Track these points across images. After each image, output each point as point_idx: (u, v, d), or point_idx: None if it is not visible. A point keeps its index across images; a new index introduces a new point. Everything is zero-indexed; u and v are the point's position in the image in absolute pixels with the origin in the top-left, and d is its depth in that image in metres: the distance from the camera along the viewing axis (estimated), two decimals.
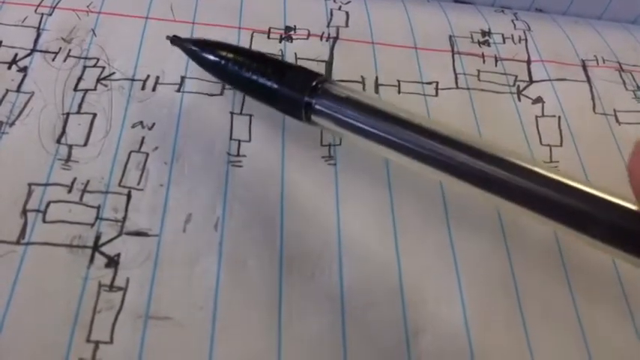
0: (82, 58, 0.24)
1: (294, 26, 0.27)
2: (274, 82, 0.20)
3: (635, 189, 0.14)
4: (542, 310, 0.20)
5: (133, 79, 0.23)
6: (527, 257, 0.21)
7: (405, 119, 0.18)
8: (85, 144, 0.21)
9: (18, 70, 0.23)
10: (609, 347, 0.19)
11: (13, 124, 0.21)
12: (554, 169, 0.16)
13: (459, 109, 0.25)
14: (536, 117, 0.25)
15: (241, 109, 0.23)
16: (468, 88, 0.26)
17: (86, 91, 0.23)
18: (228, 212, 0.20)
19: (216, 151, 0.22)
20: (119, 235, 0.19)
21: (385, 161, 0.22)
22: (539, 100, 0.26)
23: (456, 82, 0.26)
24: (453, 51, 0.28)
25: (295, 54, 0.26)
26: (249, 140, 0.22)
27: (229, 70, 0.21)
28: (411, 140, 0.18)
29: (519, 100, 0.26)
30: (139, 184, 0.20)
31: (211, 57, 0.21)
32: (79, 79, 0.23)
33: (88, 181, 0.20)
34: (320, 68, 0.25)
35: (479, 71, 0.27)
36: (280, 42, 0.26)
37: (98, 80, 0.23)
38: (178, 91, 0.23)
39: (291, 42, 0.26)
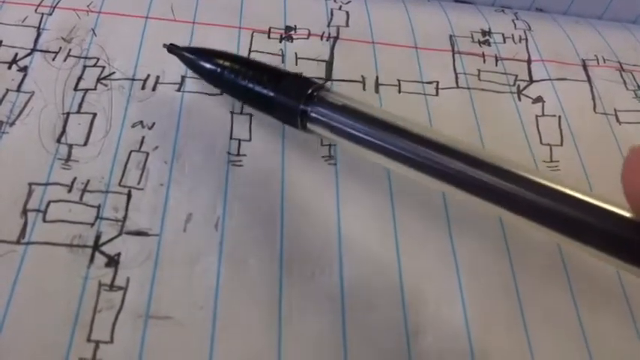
0: (82, 57, 0.24)
1: (295, 26, 0.27)
2: (270, 90, 0.20)
3: (629, 196, 0.14)
4: (543, 312, 0.20)
5: (133, 79, 0.23)
6: (528, 258, 0.21)
7: (401, 127, 0.18)
8: (85, 143, 0.21)
9: (18, 70, 0.23)
10: (610, 348, 0.19)
11: (13, 123, 0.21)
12: (550, 176, 0.16)
13: (460, 108, 0.25)
14: (537, 116, 0.25)
15: (241, 109, 0.23)
16: (469, 88, 0.26)
17: (86, 90, 0.23)
18: (228, 212, 0.20)
19: (217, 150, 0.22)
20: (119, 234, 0.19)
21: None
22: (539, 99, 0.26)
23: (457, 82, 0.26)
24: (453, 50, 0.28)
25: (295, 54, 0.26)
26: (250, 140, 0.22)
27: (226, 78, 0.21)
28: (407, 148, 0.18)
29: (520, 99, 0.26)
30: (139, 183, 0.20)
31: (208, 65, 0.22)
32: (79, 78, 0.23)
33: (88, 181, 0.20)
34: (320, 68, 0.25)
35: (479, 71, 0.27)
36: (280, 42, 0.26)
37: (98, 80, 0.23)
38: (178, 90, 0.23)
39: (292, 42, 0.26)
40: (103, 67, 0.23)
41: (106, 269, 0.18)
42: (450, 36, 0.28)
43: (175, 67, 0.24)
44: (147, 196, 0.20)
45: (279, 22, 0.27)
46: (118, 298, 0.18)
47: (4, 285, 0.17)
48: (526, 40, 0.29)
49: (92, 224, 0.19)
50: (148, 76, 0.23)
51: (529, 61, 0.28)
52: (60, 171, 0.20)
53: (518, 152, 0.24)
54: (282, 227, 0.20)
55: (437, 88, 0.26)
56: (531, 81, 0.27)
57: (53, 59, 0.23)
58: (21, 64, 0.23)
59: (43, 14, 0.25)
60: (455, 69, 0.27)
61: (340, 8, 0.28)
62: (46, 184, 0.20)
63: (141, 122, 0.22)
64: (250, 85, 0.21)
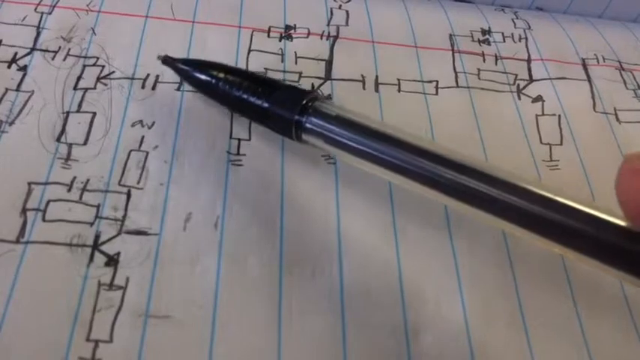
0: (82, 57, 0.24)
1: (294, 25, 0.27)
2: (264, 101, 0.20)
3: (624, 205, 0.14)
4: (543, 311, 0.20)
5: (132, 78, 0.23)
6: (527, 257, 0.21)
7: (394, 137, 0.18)
8: (85, 143, 0.21)
9: (18, 69, 0.23)
10: (609, 347, 0.19)
11: (12, 123, 0.21)
12: (544, 184, 0.16)
13: (459, 107, 0.25)
14: (537, 116, 0.25)
15: None
16: (468, 87, 0.26)
17: (86, 89, 0.23)
18: (228, 211, 0.20)
19: (216, 150, 0.22)
20: (119, 234, 0.19)
21: None
22: (539, 98, 0.26)
23: (456, 81, 0.26)
24: (453, 50, 0.28)
25: (295, 53, 0.26)
26: (249, 139, 0.22)
27: (220, 89, 0.21)
28: (402, 158, 0.18)
29: (519, 98, 0.26)
30: (138, 182, 0.20)
31: (202, 76, 0.22)
32: (79, 77, 0.23)
33: (87, 180, 0.20)
34: (320, 67, 0.25)
35: (479, 70, 0.27)
36: (280, 41, 0.26)
37: (98, 79, 0.23)
38: (178, 89, 0.23)
39: (291, 41, 0.26)
40: (103, 67, 0.23)
41: (106, 268, 0.18)
42: (450, 35, 0.28)
43: None
44: (146, 195, 0.20)
45: (279, 21, 0.27)
46: (118, 298, 0.18)
47: (4, 284, 0.17)
48: (526, 39, 0.29)
49: (92, 223, 0.19)
50: (148, 75, 0.23)
51: (529, 61, 0.28)
52: (59, 170, 0.20)
53: (518, 151, 0.24)
54: (281, 227, 0.20)
55: (437, 88, 0.26)
56: (531, 80, 0.27)
57: (53, 58, 0.23)
58: (20, 63, 0.23)
59: (42, 13, 0.25)
60: (455, 68, 0.27)
61: (340, 7, 0.28)
62: (46, 184, 0.20)
63: (140, 121, 0.22)
64: (245, 96, 0.21)
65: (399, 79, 0.26)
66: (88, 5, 0.26)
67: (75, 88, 0.23)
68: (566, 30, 0.30)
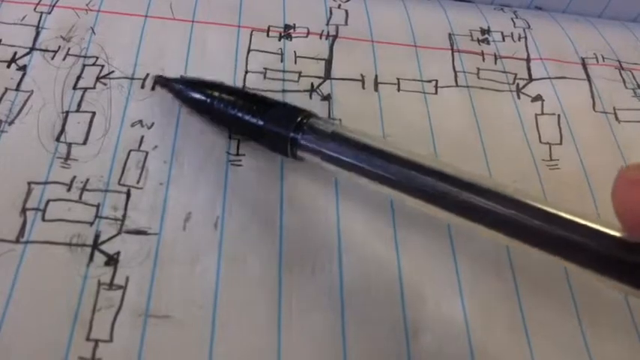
0: (82, 56, 0.24)
1: (294, 24, 0.27)
2: (260, 119, 0.20)
3: (620, 215, 0.14)
4: (543, 311, 0.20)
5: (132, 78, 0.23)
6: (527, 257, 0.21)
7: (390, 153, 0.18)
8: (85, 142, 0.21)
9: (17, 69, 0.23)
10: (609, 347, 0.19)
11: (12, 122, 0.21)
12: (539, 197, 0.16)
13: (459, 107, 0.25)
14: (536, 115, 0.25)
15: None
16: (468, 86, 0.26)
17: (85, 89, 0.23)
18: (227, 211, 0.20)
19: (216, 150, 0.22)
20: (118, 233, 0.19)
21: None
22: (538, 98, 0.26)
23: (456, 80, 0.26)
24: (452, 49, 0.28)
25: (295, 52, 0.26)
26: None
27: (215, 108, 0.21)
28: (397, 174, 0.18)
29: (519, 98, 0.26)
30: (138, 182, 0.20)
31: (197, 96, 0.22)
32: (79, 77, 0.23)
33: (87, 180, 0.20)
34: (319, 66, 0.25)
35: (478, 69, 0.27)
36: (279, 40, 0.26)
37: (97, 79, 0.23)
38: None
39: (291, 40, 0.26)
40: (102, 66, 0.23)
41: (106, 268, 0.18)
42: (450, 34, 0.28)
43: (175, 66, 0.24)
44: (146, 195, 0.20)
45: (279, 20, 0.27)
46: (118, 297, 0.18)
47: (4, 284, 0.17)
48: (525, 38, 0.29)
49: (91, 223, 0.19)
50: (148, 75, 0.23)
51: (528, 60, 0.28)
52: (59, 170, 0.20)
53: (518, 151, 0.24)
54: (281, 226, 0.20)
55: (436, 87, 0.26)
56: (530, 79, 0.27)
57: (52, 58, 0.23)
58: (20, 62, 0.23)
59: (42, 13, 0.25)
60: (454, 67, 0.27)
61: (339, 7, 0.28)
62: (45, 183, 0.20)
63: (140, 121, 0.22)
64: (240, 115, 0.21)
65: (398, 79, 0.26)
66: (87, 5, 0.26)
67: (74, 88, 0.23)
68: (566, 29, 0.30)
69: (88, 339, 0.17)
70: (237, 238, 0.20)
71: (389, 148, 0.19)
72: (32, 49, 0.24)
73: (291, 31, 0.27)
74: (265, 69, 0.25)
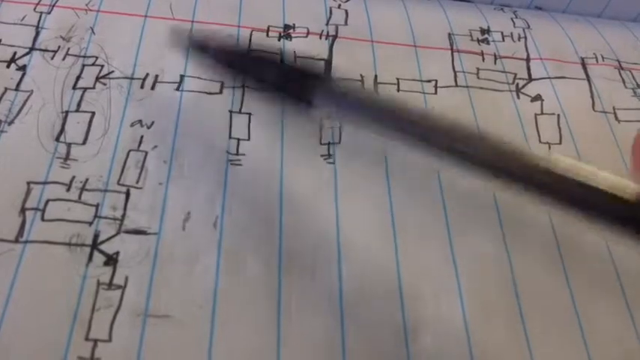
0: (81, 56, 0.24)
1: (294, 24, 0.27)
2: (275, 70, 0.20)
3: (637, 157, 0.15)
4: (542, 310, 0.20)
5: (132, 78, 0.23)
6: (526, 257, 0.21)
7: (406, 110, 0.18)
8: (84, 142, 0.21)
9: (17, 69, 0.23)
10: (609, 347, 0.19)
11: (12, 122, 0.21)
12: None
13: (458, 107, 0.25)
14: (536, 115, 0.25)
15: (240, 108, 0.23)
16: (467, 86, 0.26)
17: (85, 89, 0.23)
18: (227, 211, 0.20)
19: (216, 149, 0.22)
20: (118, 233, 0.19)
21: (385, 160, 0.22)
22: (538, 98, 0.26)
23: (455, 80, 0.26)
24: (452, 49, 0.28)
25: (294, 52, 0.26)
26: (249, 139, 0.22)
27: (231, 58, 0.21)
28: (411, 124, 0.18)
29: (518, 98, 0.26)
30: (137, 182, 0.20)
31: (212, 46, 0.21)
32: (78, 77, 0.23)
33: (86, 180, 0.20)
34: (319, 66, 0.25)
35: (478, 69, 0.27)
36: (279, 40, 0.26)
37: (97, 79, 0.23)
38: (177, 89, 0.23)
39: (290, 40, 0.26)
40: (102, 66, 0.23)
41: (105, 268, 0.18)
42: (449, 34, 0.28)
43: (174, 66, 0.24)
44: (145, 195, 0.20)
45: (278, 20, 0.27)
46: (117, 297, 0.18)
47: (3, 284, 0.17)
48: (525, 38, 0.29)
49: (91, 223, 0.19)
50: (147, 74, 0.23)
51: (528, 60, 0.28)
52: (58, 170, 0.20)
53: None
54: (280, 226, 0.20)
55: (436, 87, 0.26)
56: (530, 79, 0.27)
57: (52, 58, 0.23)
58: (20, 62, 0.23)
59: (41, 13, 0.25)
60: (454, 67, 0.27)
61: (339, 7, 0.28)
62: (45, 183, 0.20)
63: (140, 121, 0.22)
64: (258, 62, 0.20)
65: (398, 79, 0.26)
66: (87, 5, 0.26)
67: (74, 88, 0.23)
68: (566, 29, 0.30)
69: (87, 339, 0.17)
70: (236, 238, 0.20)
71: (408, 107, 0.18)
72: (32, 49, 0.24)
73: (291, 31, 0.27)
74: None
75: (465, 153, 0.17)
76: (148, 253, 0.19)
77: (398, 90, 0.25)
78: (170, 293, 0.18)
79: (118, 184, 0.20)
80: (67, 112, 0.22)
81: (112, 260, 0.18)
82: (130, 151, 0.21)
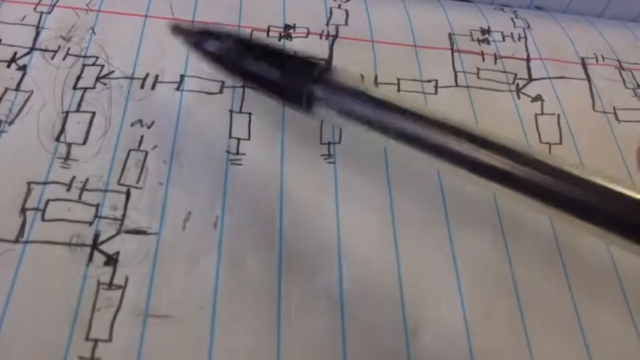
0: (82, 56, 0.24)
1: (294, 24, 0.27)
2: (275, 71, 0.20)
3: None
4: (543, 310, 0.20)
5: (132, 78, 0.23)
6: (527, 258, 0.21)
7: (406, 108, 0.18)
8: (84, 142, 0.21)
9: (17, 69, 0.23)
10: (610, 347, 0.19)
11: (12, 122, 0.21)
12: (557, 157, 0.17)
13: (459, 107, 0.25)
14: (536, 115, 0.25)
15: (240, 108, 0.23)
16: (468, 86, 0.26)
17: (85, 89, 0.23)
18: (227, 210, 0.20)
19: (216, 149, 0.22)
20: (118, 233, 0.19)
21: (385, 160, 0.22)
22: (538, 98, 0.26)
23: (456, 80, 0.26)
24: (452, 49, 0.28)
25: (295, 52, 0.26)
26: (249, 139, 0.22)
27: (229, 59, 0.21)
28: (412, 127, 0.18)
29: (519, 98, 0.26)
30: (138, 182, 0.20)
31: (210, 47, 0.21)
32: (78, 77, 0.23)
33: (87, 180, 0.20)
34: None
35: (478, 69, 0.27)
36: (279, 40, 0.26)
37: (97, 79, 0.23)
38: (178, 89, 0.23)
39: (291, 40, 0.26)
40: (102, 66, 0.23)
41: (105, 268, 0.18)
42: (449, 34, 0.28)
43: (174, 66, 0.24)
44: (146, 194, 0.20)
45: (278, 20, 0.27)
46: (117, 297, 0.18)
47: (3, 284, 0.17)
48: (525, 38, 0.29)
49: (91, 223, 0.19)
50: (147, 74, 0.23)
51: (528, 60, 0.28)
52: (59, 170, 0.20)
53: None
54: (281, 226, 0.20)
55: (436, 87, 0.26)
56: (530, 79, 0.27)
57: (52, 58, 0.23)
58: (20, 62, 0.23)
59: (42, 13, 0.25)
60: (454, 67, 0.27)
61: (339, 7, 0.28)
62: (45, 183, 0.20)
63: (140, 121, 0.22)
64: (254, 66, 0.20)
65: (398, 79, 0.26)
66: (87, 5, 0.26)
67: (74, 88, 0.23)
68: (566, 29, 0.30)
69: (87, 339, 0.17)
70: (236, 238, 0.20)
71: (406, 104, 0.18)
72: (32, 48, 0.24)
73: (291, 31, 0.27)
74: None
75: (465, 156, 0.17)
76: (149, 253, 0.19)
77: (398, 90, 0.25)
78: (170, 293, 0.18)
79: (119, 184, 0.20)
80: (67, 112, 0.22)
81: (112, 260, 0.18)
82: (130, 150, 0.21)
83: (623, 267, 0.21)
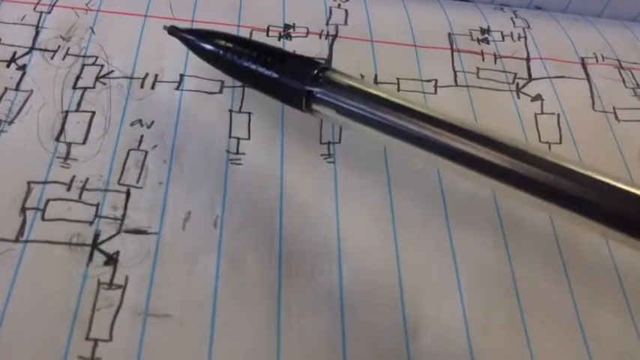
0: (81, 56, 0.24)
1: (293, 24, 0.27)
2: (274, 72, 0.20)
3: None
4: (543, 310, 0.20)
5: (131, 77, 0.23)
6: (527, 257, 0.21)
7: (406, 106, 0.18)
8: (84, 142, 0.21)
9: (17, 69, 0.23)
10: (610, 347, 0.19)
11: (12, 122, 0.21)
12: (557, 154, 0.17)
13: (458, 106, 0.25)
14: (536, 114, 0.25)
15: (240, 107, 0.23)
16: (467, 86, 0.26)
17: (85, 89, 0.23)
18: (227, 210, 0.20)
19: (216, 149, 0.22)
20: (118, 233, 0.19)
21: (385, 160, 0.22)
22: (538, 97, 0.26)
23: (455, 80, 0.26)
24: (452, 49, 0.28)
25: (294, 52, 0.26)
26: (249, 138, 0.22)
27: (228, 59, 0.21)
28: (412, 127, 0.18)
29: (518, 97, 0.26)
30: (138, 182, 0.20)
31: (209, 47, 0.21)
32: (78, 77, 0.23)
33: (87, 179, 0.20)
34: None
35: (478, 69, 0.27)
36: (279, 40, 0.26)
37: (97, 78, 0.23)
38: (177, 89, 0.23)
39: (290, 40, 0.26)
40: (102, 66, 0.23)
41: (105, 267, 0.18)
42: (449, 34, 0.28)
43: (174, 66, 0.24)
44: (146, 194, 0.20)
45: (278, 20, 0.27)
46: (117, 297, 0.18)
47: (3, 283, 0.17)
48: (525, 38, 0.29)
49: (91, 223, 0.19)
50: (147, 74, 0.23)
51: (528, 59, 0.28)
52: (59, 169, 0.20)
53: None
54: (281, 226, 0.20)
55: (436, 87, 0.26)
56: (530, 79, 0.27)
57: (52, 58, 0.23)
58: (20, 62, 0.23)
59: (41, 13, 0.25)
60: (454, 67, 0.27)
61: (339, 6, 0.28)
62: (45, 183, 0.20)
63: (139, 121, 0.22)
64: (253, 67, 0.20)
65: (398, 78, 0.26)
66: (87, 4, 0.26)
67: (74, 88, 0.23)
68: (565, 29, 0.30)
69: (87, 338, 0.17)
70: (236, 238, 0.20)
71: (407, 102, 0.19)
72: (32, 48, 0.24)
73: (291, 30, 0.27)
74: None
75: (468, 155, 0.17)
76: (149, 253, 0.19)
77: (398, 89, 0.25)
78: (170, 292, 0.18)
79: (119, 183, 0.20)
80: (67, 112, 0.22)
81: (112, 260, 0.18)
82: (130, 150, 0.21)
83: (624, 266, 0.21)
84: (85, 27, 0.25)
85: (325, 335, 0.18)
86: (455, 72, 0.26)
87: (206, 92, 0.23)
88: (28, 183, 0.20)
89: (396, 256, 0.20)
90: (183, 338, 0.17)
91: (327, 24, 0.27)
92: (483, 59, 0.27)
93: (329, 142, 0.23)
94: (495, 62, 0.27)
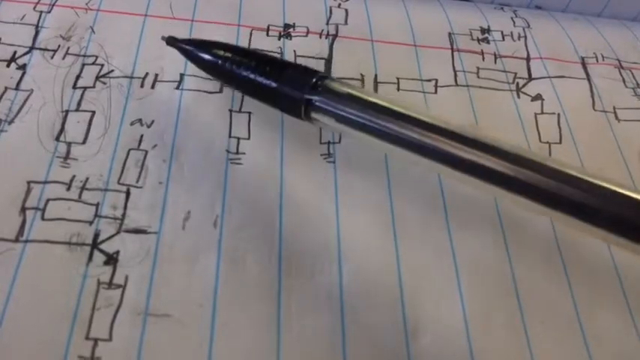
0: (81, 55, 0.24)
1: (293, 24, 0.27)
2: (273, 81, 0.20)
3: None
4: (543, 310, 0.20)
5: (131, 77, 0.23)
6: (527, 258, 0.21)
7: (405, 114, 0.18)
8: (84, 142, 0.21)
9: (17, 68, 0.23)
10: (610, 347, 0.19)
11: (11, 121, 0.21)
12: (558, 160, 0.17)
13: (458, 106, 0.25)
14: (536, 114, 0.25)
15: (240, 107, 0.23)
16: (467, 86, 0.26)
17: (85, 88, 0.23)
18: (227, 210, 0.20)
19: (216, 148, 0.22)
20: (118, 232, 0.19)
21: (385, 160, 0.22)
22: (538, 97, 0.26)
23: (455, 80, 0.26)
24: (452, 48, 0.28)
25: (294, 51, 0.26)
26: (249, 138, 0.22)
27: (226, 69, 0.21)
28: (412, 135, 0.18)
29: (518, 97, 0.26)
30: (137, 181, 0.20)
31: (207, 57, 0.21)
32: (78, 76, 0.23)
33: (86, 179, 0.20)
34: (319, 66, 0.25)
35: (478, 68, 0.27)
36: (279, 39, 0.26)
37: (97, 78, 0.23)
38: (177, 88, 0.23)
39: (290, 39, 0.26)
40: (102, 65, 0.23)
41: (105, 267, 0.18)
42: (449, 34, 0.28)
43: (174, 65, 0.24)
44: (145, 194, 0.20)
45: (278, 19, 0.27)
46: (117, 296, 0.18)
47: (3, 283, 0.17)
48: (525, 37, 0.29)
49: (91, 222, 0.19)
50: (147, 74, 0.23)
51: (528, 59, 0.28)
52: (58, 169, 0.20)
53: None
54: (280, 226, 0.20)
55: (436, 86, 0.26)
56: (530, 78, 0.27)
57: (52, 57, 0.23)
58: (20, 62, 0.23)
59: (41, 12, 0.25)
60: (454, 67, 0.27)
61: (339, 6, 0.28)
62: (45, 182, 0.20)
63: (139, 120, 0.22)
64: (252, 76, 0.20)
65: (398, 78, 0.26)
66: (87, 4, 0.26)
67: (74, 87, 0.23)
68: (565, 29, 0.30)
69: (87, 338, 0.17)
70: (236, 237, 0.20)
71: (405, 109, 0.19)
72: (32, 48, 0.24)
73: (291, 30, 0.27)
74: None
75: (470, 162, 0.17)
76: (148, 253, 0.19)
77: (398, 89, 0.25)
78: (170, 292, 0.18)
79: (118, 183, 0.20)
80: (67, 112, 0.22)
81: (112, 259, 0.18)
82: (130, 150, 0.21)
83: (624, 266, 0.21)
84: (85, 26, 0.25)
85: (325, 335, 0.18)
86: (455, 72, 0.26)
87: (206, 92, 0.23)
88: (28, 183, 0.20)
89: (396, 256, 0.20)
90: (183, 338, 0.17)
91: (328, 23, 0.27)
92: (483, 59, 0.27)
93: (329, 142, 0.23)
94: (495, 62, 0.27)
